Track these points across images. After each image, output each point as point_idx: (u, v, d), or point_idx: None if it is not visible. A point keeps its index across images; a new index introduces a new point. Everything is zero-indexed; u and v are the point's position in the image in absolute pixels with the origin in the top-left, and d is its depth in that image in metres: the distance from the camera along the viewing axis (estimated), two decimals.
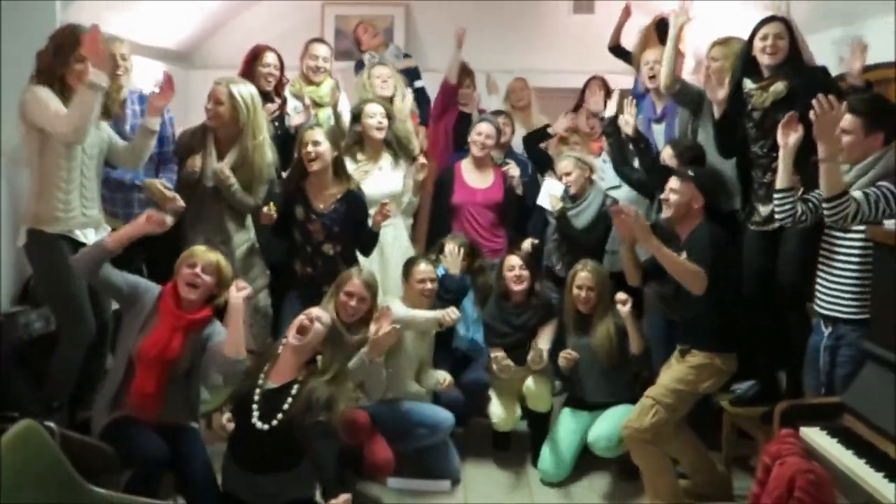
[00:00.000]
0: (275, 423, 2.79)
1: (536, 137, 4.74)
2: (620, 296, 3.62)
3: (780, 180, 2.94)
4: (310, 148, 3.64)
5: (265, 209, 3.66)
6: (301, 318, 2.95)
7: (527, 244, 4.14)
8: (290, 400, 2.82)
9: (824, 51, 3.44)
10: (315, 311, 3.01)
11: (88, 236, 3.22)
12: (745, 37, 3.45)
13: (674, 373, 3.25)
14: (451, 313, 3.55)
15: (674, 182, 3.28)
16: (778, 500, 2.00)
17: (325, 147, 3.67)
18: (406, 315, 3.56)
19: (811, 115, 2.72)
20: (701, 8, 4.76)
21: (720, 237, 3.24)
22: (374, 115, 4.02)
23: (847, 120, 2.80)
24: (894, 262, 2.47)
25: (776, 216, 3.02)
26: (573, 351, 3.71)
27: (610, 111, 4.00)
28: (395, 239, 4.10)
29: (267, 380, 2.90)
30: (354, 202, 3.77)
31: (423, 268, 3.70)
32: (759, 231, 3.39)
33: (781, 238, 3.27)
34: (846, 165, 2.88)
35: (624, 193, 4.10)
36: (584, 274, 3.73)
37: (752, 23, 3.43)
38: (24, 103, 3.08)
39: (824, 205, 2.75)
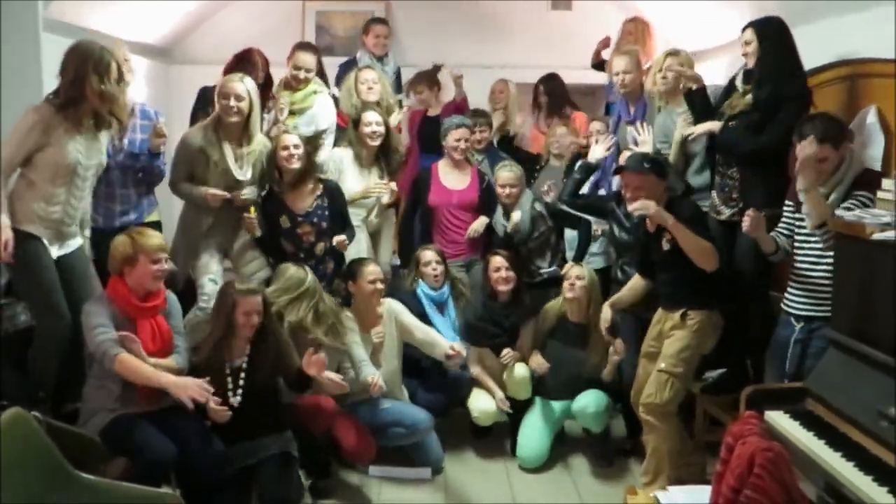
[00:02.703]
0: (239, 394, 3.17)
1: (507, 140, 4.84)
2: (618, 345, 3.70)
3: (764, 247, 3.11)
4: (292, 150, 3.77)
5: (247, 215, 3.73)
6: (251, 319, 3.18)
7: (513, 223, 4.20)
8: (243, 375, 3.19)
9: (809, 43, 3.50)
10: (255, 303, 3.19)
11: (53, 250, 3.24)
12: (722, 36, 3.58)
13: (678, 341, 3.31)
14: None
15: (632, 181, 3.33)
16: (739, 478, 2.09)
17: (302, 149, 3.81)
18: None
19: (796, 150, 2.89)
20: (680, 8, 4.89)
21: (691, 207, 3.37)
22: (370, 124, 4.11)
23: (819, 151, 2.89)
24: (854, 252, 2.55)
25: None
26: (548, 355, 3.88)
27: (597, 154, 4.06)
28: (356, 243, 4.12)
29: (232, 358, 3.20)
30: (334, 193, 3.90)
31: (371, 269, 3.74)
32: (719, 225, 3.53)
33: (738, 232, 3.37)
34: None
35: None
36: (575, 268, 3.89)
37: (728, 22, 3.54)
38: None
39: (817, 232, 2.87)
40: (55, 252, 3.24)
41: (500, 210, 4.25)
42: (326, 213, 3.87)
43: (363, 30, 5.14)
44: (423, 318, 3.93)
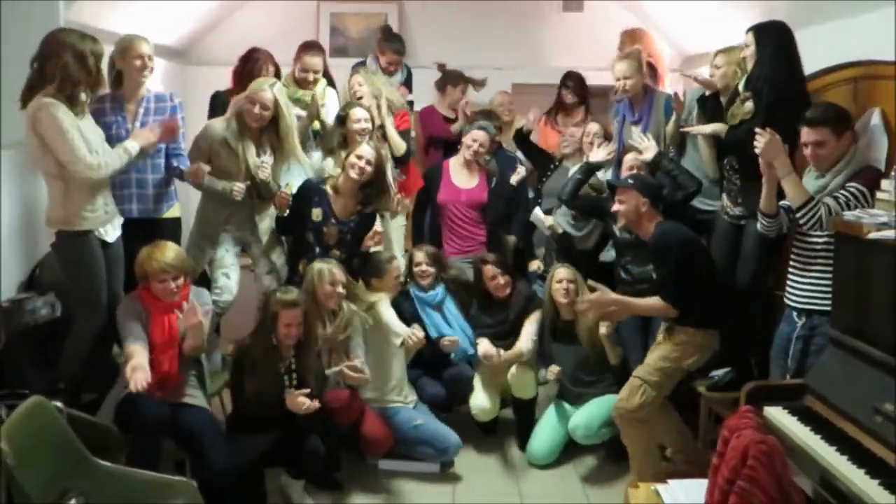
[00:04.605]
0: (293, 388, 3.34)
1: (522, 137, 4.85)
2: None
3: (764, 205, 3.10)
4: (363, 164, 3.81)
5: (283, 192, 3.85)
6: (291, 330, 3.36)
7: (534, 266, 4.34)
8: (295, 375, 3.42)
9: (816, 45, 3.53)
10: (295, 316, 3.37)
11: (108, 232, 3.38)
12: (729, 39, 3.62)
13: (659, 351, 3.37)
14: (416, 334, 3.71)
15: (618, 194, 3.46)
16: (734, 469, 2.14)
17: (372, 167, 3.85)
18: (391, 319, 3.77)
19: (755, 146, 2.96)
20: (687, 10, 4.93)
21: (677, 231, 3.39)
22: (359, 120, 4.15)
23: (816, 133, 2.95)
24: (853, 251, 2.60)
25: (764, 232, 3.19)
26: (556, 358, 3.97)
27: (597, 157, 4.15)
28: None
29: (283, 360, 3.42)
30: (368, 215, 3.99)
31: (395, 264, 3.94)
32: (728, 224, 3.57)
33: (744, 231, 3.44)
34: (817, 174, 3.04)
35: None
36: (561, 270, 3.95)
37: (736, 25, 3.57)
38: (39, 121, 3.12)
39: (797, 214, 2.93)
40: (111, 236, 3.38)
41: (567, 217, 4.31)
42: (357, 229, 3.94)
43: (378, 45, 5.10)
44: (418, 319, 3.98)
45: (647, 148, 3.92)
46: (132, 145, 3.38)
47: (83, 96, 3.23)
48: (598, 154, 4.17)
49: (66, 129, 3.12)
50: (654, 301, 3.30)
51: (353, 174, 3.82)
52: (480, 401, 3.99)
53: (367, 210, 3.97)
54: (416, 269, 4.09)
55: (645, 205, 3.39)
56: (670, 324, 3.36)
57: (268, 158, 3.83)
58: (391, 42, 5.06)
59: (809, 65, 3.45)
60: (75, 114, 3.19)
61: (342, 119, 4.22)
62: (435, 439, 3.75)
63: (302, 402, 3.22)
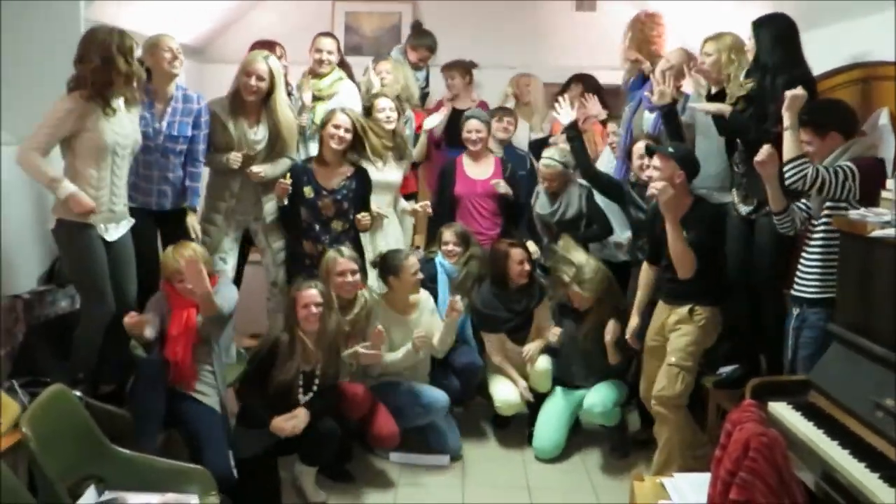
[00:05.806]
0: (310, 394, 3.42)
1: (540, 144, 4.83)
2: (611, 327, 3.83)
3: (772, 204, 3.12)
4: (342, 133, 3.91)
5: (282, 181, 3.90)
6: (310, 310, 3.37)
7: (534, 248, 4.29)
8: (317, 380, 3.45)
9: (822, 46, 3.55)
10: (311, 296, 3.39)
11: (109, 231, 3.40)
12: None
13: (685, 336, 3.39)
14: (421, 339, 3.74)
15: (655, 160, 3.44)
16: (736, 462, 2.17)
17: (350, 135, 3.95)
18: (391, 361, 3.80)
19: (785, 93, 2.98)
20: (695, 7, 4.94)
21: (713, 213, 3.45)
22: (384, 110, 4.21)
23: (802, 132, 2.99)
24: (856, 250, 2.64)
25: (780, 230, 3.20)
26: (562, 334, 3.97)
27: (566, 117, 4.13)
28: (387, 225, 4.28)
29: (303, 364, 3.41)
30: (362, 179, 4.04)
31: (412, 261, 3.90)
32: (740, 221, 3.57)
33: (756, 227, 3.46)
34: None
35: None
36: (578, 285, 3.87)
37: (744, 24, 3.59)
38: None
39: (785, 168, 2.94)
40: (111, 235, 3.40)
41: (543, 198, 4.33)
42: (351, 195, 3.99)
43: (409, 41, 5.15)
44: (434, 282, 4.08)
45: (663, 93, 3.84)
46: (65, 190, 3.18)
47: (117, 95, 3.29)
48: (565, 115, 4.14)
49: (56, 115, 3.17)
50: (686, 247, 3.30)
51: (335, 144, 3.92)
52: (506, 394, 4.02)
53: (350, 173, 4.01)
54: (444, 248, 4.17)
55: (680, 177, 3.37)
56: (692, 305, 3.38)
57: (262, 131, 3.92)
58: (423, 38, 5.13)
59: (817, 66, 3.46)
60: (105, 112, 3.25)
61: (367, 109, 4.28)
62: (420, 397, 3.82)
63: (287, 426, 3.26)
